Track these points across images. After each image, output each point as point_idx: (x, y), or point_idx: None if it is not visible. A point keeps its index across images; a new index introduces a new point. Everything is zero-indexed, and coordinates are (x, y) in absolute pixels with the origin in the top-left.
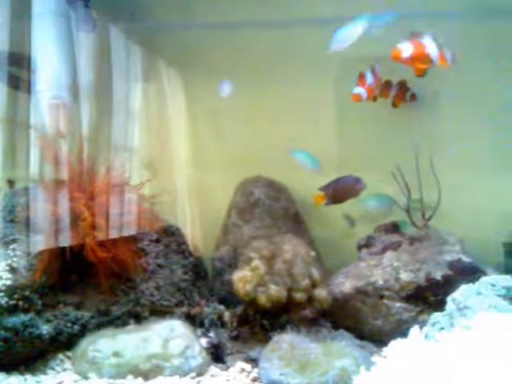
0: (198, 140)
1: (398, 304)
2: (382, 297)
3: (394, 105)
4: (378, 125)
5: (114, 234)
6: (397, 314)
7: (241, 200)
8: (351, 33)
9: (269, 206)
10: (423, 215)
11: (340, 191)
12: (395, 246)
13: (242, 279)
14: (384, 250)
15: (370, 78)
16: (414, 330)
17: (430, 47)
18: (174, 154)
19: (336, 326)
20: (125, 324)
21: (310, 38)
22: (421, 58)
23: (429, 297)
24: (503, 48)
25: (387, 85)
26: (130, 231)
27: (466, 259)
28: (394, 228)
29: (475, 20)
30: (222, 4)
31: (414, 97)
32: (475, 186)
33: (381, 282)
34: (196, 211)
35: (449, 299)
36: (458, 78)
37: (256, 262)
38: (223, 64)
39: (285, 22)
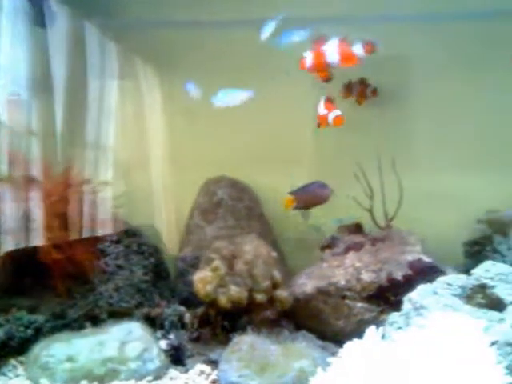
0: (175, 139)
1: (359, 304)
2: (343, 297)
3: (358, 102)
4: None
5: (70, 236)
6: (358, 314)
7: (204, 200)
8: (234, 97)
9: (232, 207)
10: (386, 215)
11: (309, 197)
12: (358, 247)
13: (203, 280)
14: (347, 251)
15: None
16: (370, 330)
17: (331, 54)
18: (149, 153)
19: (298, 327)
20: (82, 327)
21: None
22: (320, 67)
23: (390, 297)
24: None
25: (349, 86)
26: (88, 233)
27: (426, 259)
28: (357, 228)
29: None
30: (202, 2)
31: (375, 92)
32: (437, 186)
33: (343, 283)
34: (171, 210)
35: (405, 299)
36: (419, 80)
37: (216, 263)
38: (201, 63)
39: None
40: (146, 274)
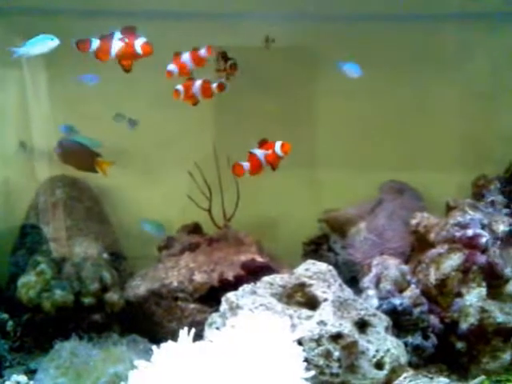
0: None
1: (191, 306)
2: (176, 299)
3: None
4: (183, 121)
5: None
6: (190, 315)
7: (41, 200)
8: None
9: (70, 207)
10: (224, 215)
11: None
12: (193, 247)
13: (26, 285)
14: (182, 251)
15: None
16: (183, 332)
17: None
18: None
19: (131, 330)
20: None
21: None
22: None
23: (221, 297)
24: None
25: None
26: None
27: (259, 259)
28: (196, 229)
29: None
30: None
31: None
32: (286, 185)
33: (175, 284)
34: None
35: (223, 299)
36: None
37: (42, 267)
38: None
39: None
40: None
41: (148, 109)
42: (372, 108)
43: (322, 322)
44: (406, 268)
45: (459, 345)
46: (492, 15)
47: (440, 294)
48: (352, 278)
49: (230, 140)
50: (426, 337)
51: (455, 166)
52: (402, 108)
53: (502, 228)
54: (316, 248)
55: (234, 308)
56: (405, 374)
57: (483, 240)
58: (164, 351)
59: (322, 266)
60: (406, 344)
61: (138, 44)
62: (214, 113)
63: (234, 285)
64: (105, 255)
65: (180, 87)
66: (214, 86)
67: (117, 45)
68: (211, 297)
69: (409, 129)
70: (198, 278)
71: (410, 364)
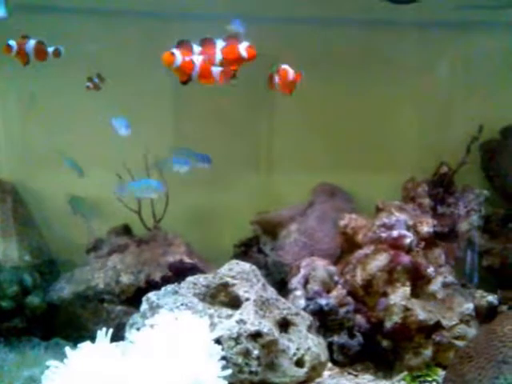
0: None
1: (118, 307)
2: (102, 301)
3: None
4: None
5: None
6: (117, 317)
7: None
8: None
9: None
10: (154, 216)
11: None
12: (122, 249)
13: None
14: (111, 253)
15: None
16: (101, 333)
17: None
18: None
19: (54, 334)
20: None
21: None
22: None
23: None
24: None
25: None
26: None
27: (187, 260)
28: (125, 230)
29: None
30: None
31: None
32: (215, 187)
33: (101, 286)
34: None
35: (143, 299)
36: None
37: None
38: None
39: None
40: None
41: (78, 108)
42: (311, 111)
43: (241, 321)
44: (333, 269)
45: (385, 343)
46: (448, 24)
47: (366, 294)
48: (281, 279)
49: (163, 140)
50: (351, 336)
51: (389, 168)
52: (341, 111)
53: (425, 229)
54: (246, 250)
55: (154, 308)
56: (329, 372)
57: (407, 240)
58: (80, 352)
59: (245, 266)
60: (331, 343)
61: (243, 48)
62: (147, 113)
63: (161, 286)
64: (27, 258)
65: (13, 43)
66: (50, 50)
67: (220, 50)
68: (138, 298)
69: (349, 132)
70: (125, 279)
71: (336, 362)
